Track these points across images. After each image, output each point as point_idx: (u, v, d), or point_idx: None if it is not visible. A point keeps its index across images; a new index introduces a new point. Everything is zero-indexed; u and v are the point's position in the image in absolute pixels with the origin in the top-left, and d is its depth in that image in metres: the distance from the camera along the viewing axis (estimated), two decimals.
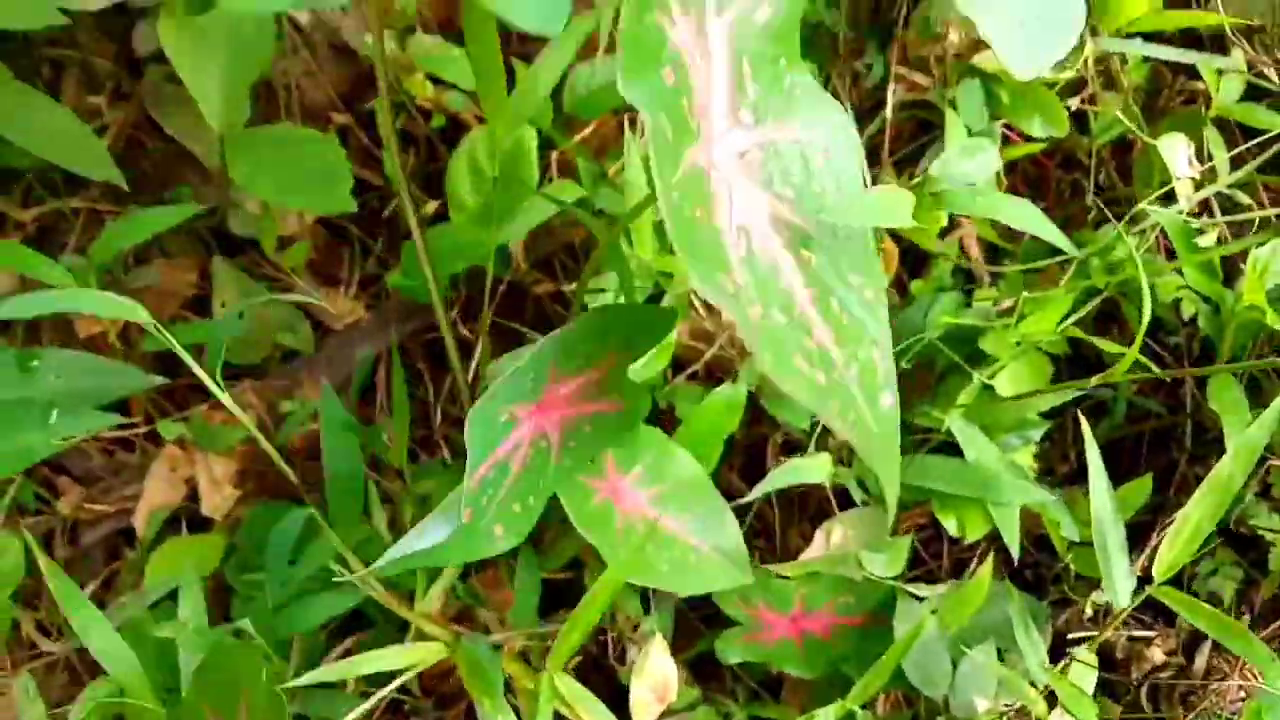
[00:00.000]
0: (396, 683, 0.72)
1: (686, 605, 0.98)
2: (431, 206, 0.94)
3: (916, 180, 0.68)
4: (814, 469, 0.77)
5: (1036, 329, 0.72)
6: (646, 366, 0.80)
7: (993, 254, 0.96)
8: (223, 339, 0.89)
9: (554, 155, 0.95)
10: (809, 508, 1.01)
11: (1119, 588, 0.67)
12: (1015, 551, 0.74)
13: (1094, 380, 0.67)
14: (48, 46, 1.01)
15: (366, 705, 0.76)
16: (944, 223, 0.73)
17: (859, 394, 0.56)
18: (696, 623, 0.98)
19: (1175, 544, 0.65)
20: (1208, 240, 0.76)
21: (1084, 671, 0.70)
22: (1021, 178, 0.98)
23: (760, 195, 0.56)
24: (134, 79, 1.01)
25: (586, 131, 0.92)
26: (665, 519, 0.76)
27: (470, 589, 0.94)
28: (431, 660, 0.72)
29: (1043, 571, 0.97)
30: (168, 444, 1.01)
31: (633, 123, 0.84)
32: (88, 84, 1.01)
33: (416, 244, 0.75)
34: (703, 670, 0.97)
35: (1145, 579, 0.73)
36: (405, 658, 0.71)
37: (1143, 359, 0.70)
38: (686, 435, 0.80)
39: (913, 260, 1.00)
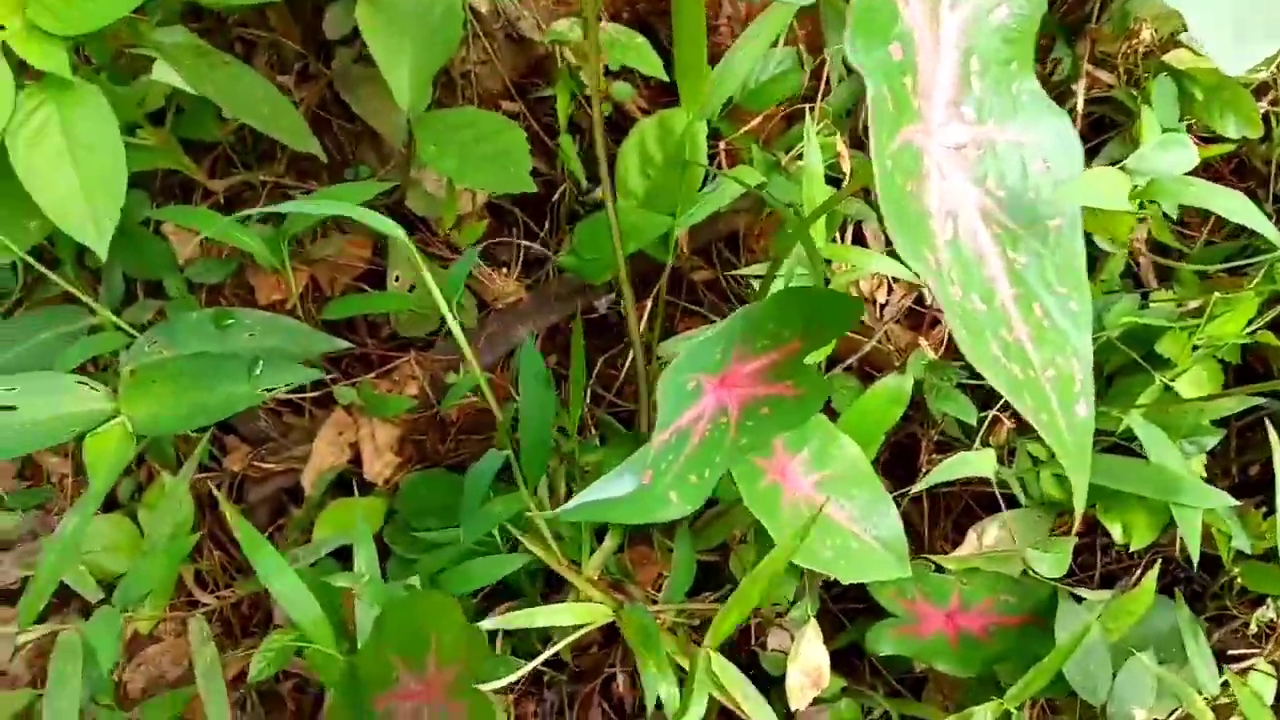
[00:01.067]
0: (563, 643, 0.74)
1: (828, 595, 0.99)
2: (597, 193, 0.97)
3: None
4: (980, 463, 0.77)
5: (1223, 331, 0.71)
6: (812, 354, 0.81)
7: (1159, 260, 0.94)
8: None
9: (721, 146, 0.96)
10: (953, 509, 1.00)
11: None
12: (1195, 555, 0.73)
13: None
14: (240, 27, 1.07)
15: (528, 668, 0.79)
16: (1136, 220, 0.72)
17: (1054, 398, 0.56)
18: (838, 614, 0.99)
19: None
20: None
21: (1263, 682, 0.69)
22: None
23: (972, 189, 0.56)
24: (320, 61, 1.06)
25: (754, 123, 0.94)
26: (830, 505, 0.77)
27: (621, 563, 0.96)
28: (599, 620, 0.74)
29: (1197, 588, 0.95)
30: (337, 409, 1.06)
31: (811, 109, 0.85)
32: (277, 64, 1.07)
33: (609, 211, 0.77)
34: (841, 664, 0.98)
35: None
36: (576, 615, 0.73)
37: None
38: (848, 424, 0.81)
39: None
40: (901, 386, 0.81)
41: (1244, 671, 0.76)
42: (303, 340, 0.88)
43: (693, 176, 0.90)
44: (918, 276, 0.92)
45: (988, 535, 0.87)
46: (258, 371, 0.77)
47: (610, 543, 0.85)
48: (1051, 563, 0.77)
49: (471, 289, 1.06)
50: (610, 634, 1.08)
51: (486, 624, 0.73)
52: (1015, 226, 0.56)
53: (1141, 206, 0.87)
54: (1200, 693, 0.73)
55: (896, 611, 0.83)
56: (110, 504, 1.07)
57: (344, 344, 0.88)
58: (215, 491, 0.90)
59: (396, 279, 1.03)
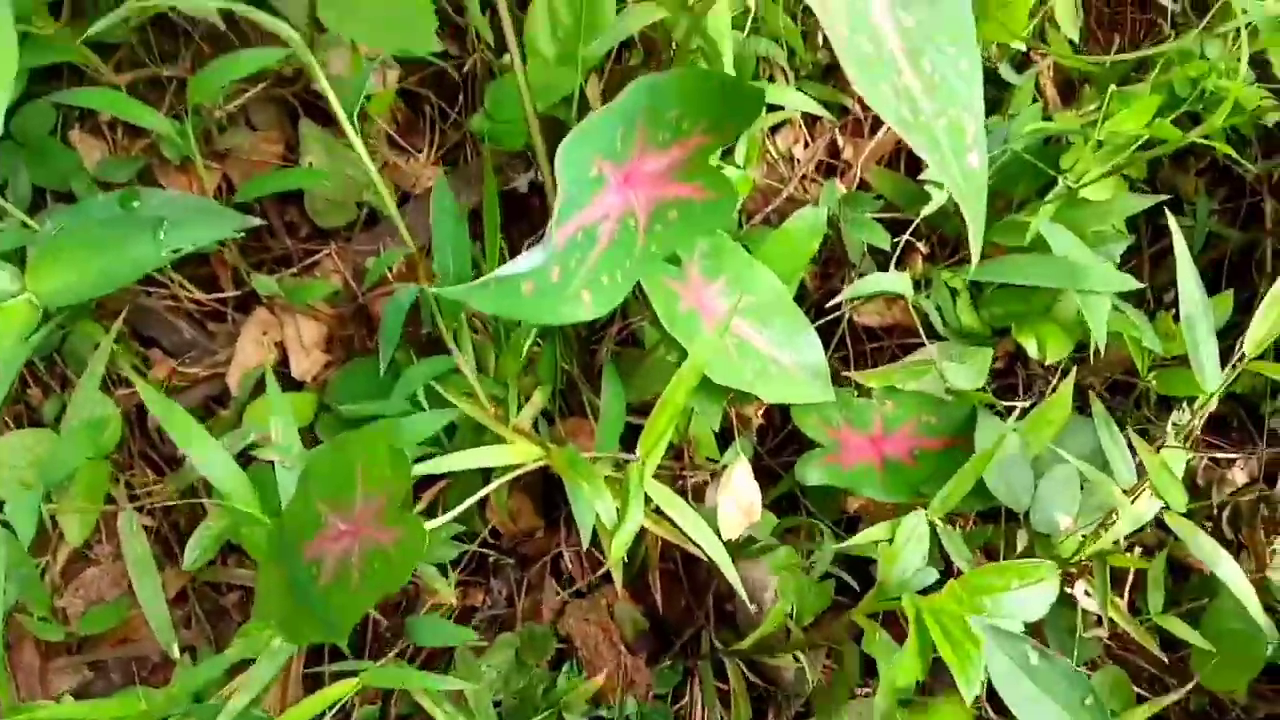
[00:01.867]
0: (496, 484, 0.74)
1: (764, 449, 1.00)
2: (507, 59, 0.96)
3: None
4: (896, 282, 0.78)
5: (1122, 126, 0.72)
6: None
7: (1066, 94, 0.96)
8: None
9: (630, 3, 0.95)
10: (880, 359, 1.02)
11: (1207, 369, 0.67)
12: (1103, 341, 0.74)
13: (1192, 135, 0.67)
14: None
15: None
16: (1026, 38, 0.73)
17: (946, 144, 0.56)
18: (775, 467, 1.00)
19: (1268, 316, 0.65)
20: None
21: (1174, 456, 0.70)
22: (1098, 18, 0.98)
23: None
24: None
25: None
26: (749, 331, 0.78)
27: (555, 433, 0.96)
28: (529, 460, 0.73)
29: (1119, 414, 0.97)
30: (259, 308, 1.04)
31: None
32: None
33: (517, 72, 0.76)
34: (778, 513, 0.99)
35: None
36: (506, 455, 0.73)
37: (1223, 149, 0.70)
38: (767, 256, 0.81)
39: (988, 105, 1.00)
40: (817, 217, 0.81)
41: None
42: (213, 218, 0.86)
43: (603, 31, 0.89)
44: (833, 120, 0.93)
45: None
46: (162, 234, 0.76)
47: (539, 396, 0.85)
48: (969, 374, 0.78)
49: (388, 176, 1.05)
50: (553, 518, 1.08)
51: (418, 468, 0.72)
52: None
53: (1041, 30, 0.88)
54: (1118, 485, 0.74)
55: (822, 441, 0.84)
56: (36, 422, 1.05)
57: (253, 219, 0.86)
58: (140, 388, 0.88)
59: (310, 166, 1.01)
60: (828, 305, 0.82)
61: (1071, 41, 0.87)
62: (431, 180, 1.04)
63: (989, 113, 0.92)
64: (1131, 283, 0.74)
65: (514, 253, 1.06)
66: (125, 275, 0.75)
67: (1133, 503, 0.71)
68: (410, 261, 1.04)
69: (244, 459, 0.90)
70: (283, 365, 1.05)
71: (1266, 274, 0.89)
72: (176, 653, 0.91)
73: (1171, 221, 0.69)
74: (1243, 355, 0.71)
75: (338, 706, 0.97)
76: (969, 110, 0.59)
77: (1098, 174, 0.75)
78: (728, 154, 0.86)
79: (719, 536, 0.79)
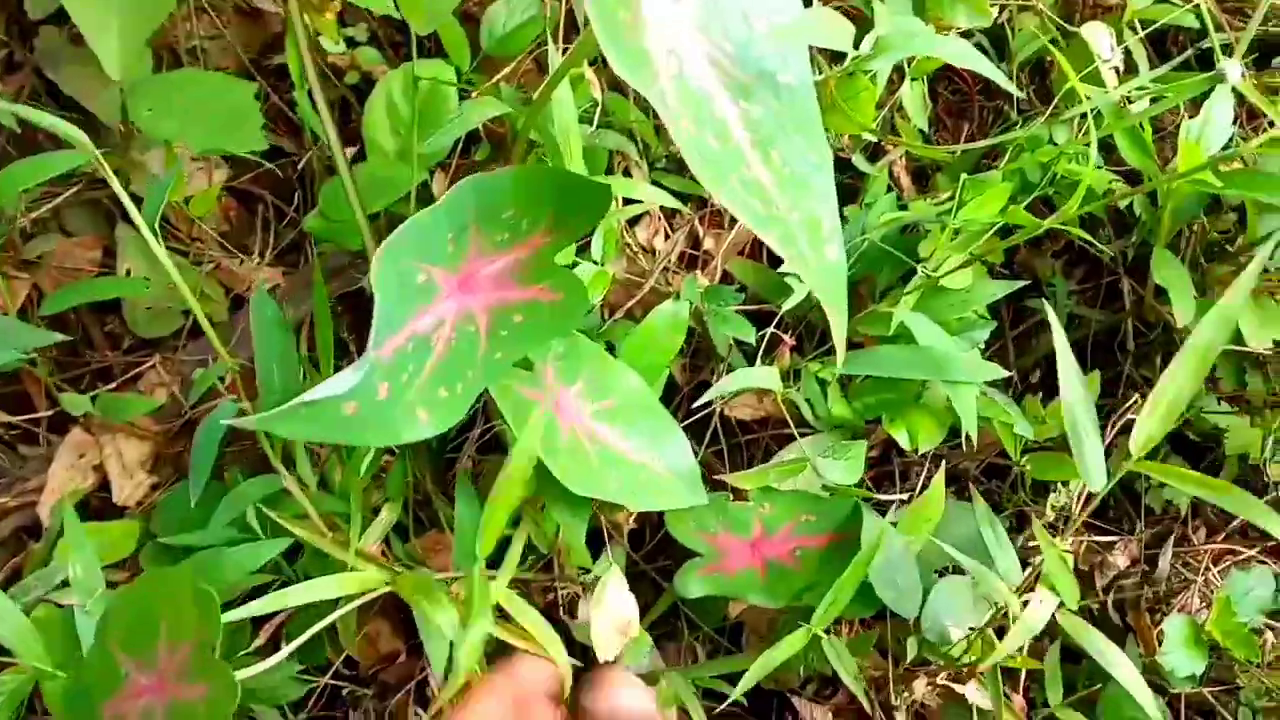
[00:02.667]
0: (335, 615, 0.66)
1: (639, 555, 0.94)
2: (350, 153, 0.90)
3: (851, 60, 0.67)
4: (765, 377, 0.74)
5: (977, 213, 0.71)
6: (589, 283, 0.77)
7: (920, 183, 0.96)
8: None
9: (474, 97, 0.92)
10: (754, 454, 0.98)
11: (1093, 468, 0.65)
12: (973, 431, 0.72)
13: (1047, 222, 0.66)
14: None
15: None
16: (876, 129, 0.72)
17: (803, 240, 0.53)
18: (654, 576, 0.94)
19: (1156, 411, 0.63)
20: (1139, 105, 0.76)
21: (1058, 558, 0.67)
22: (946, 107, 0.98)
23: (697, 35, 0.53)
24: (25, 47, 0.96)
25: (506, 71, 0.90)
26: (612, 436, 0.72)
27: (411, 550, 0.88)
28: (370, 587, 0.66)
29: (995, 500, 0.96)
30: (75, 429, 0.94)
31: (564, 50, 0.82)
32: None
33: (342, 172, 0.71)
34: (660, 632, 0.93)
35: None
36: (345, 585, 0.65)
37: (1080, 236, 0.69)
38: (628, 355, 0.77)
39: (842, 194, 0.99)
40: (679, 312, 0.78)
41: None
42: (13, 335, 0.77)
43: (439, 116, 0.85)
44: (688, 210, 0.90)
45: (789, 457, 0.85)
46: None
47: (388, 513, 0.77)
48: (844, 469, 0.75)
49: (221, 282, 0.97)
50: (416, 640, 0.99)
51: (233, 614, 0.64)
52: (745, 78, 0.54)
53: (891, 123, 0.88)
54: (1005, 581, 0.71)
55: (701, 550, 0.78)
56: None
57: (56, 335, 0.77)
58: None
59: (129, 273, 0.93)
60: (696, 404, 0.78)
61: (921, 131, 0.87)
62: (266, 283, 0.96)
63: (845, 202, 0.91)
64: (998, 371, 0.72)
65: (361, 349, 1.00)
66: None
67: (1024, 602, 0.68)
68: (246, 374, 0.95)
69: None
70: (104, 490, 0.94)
71: (1130, 353, 0.89)
72: None
73: (1050, 314, 0.67)
74: (1127, 453, 0.69)
75: None
76: (823, 202, 0.56)
77: (956, 263, 0.74)
78: (585, 249, 0.82)
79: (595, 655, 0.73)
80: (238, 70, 0.98)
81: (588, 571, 0.85)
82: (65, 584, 0.81)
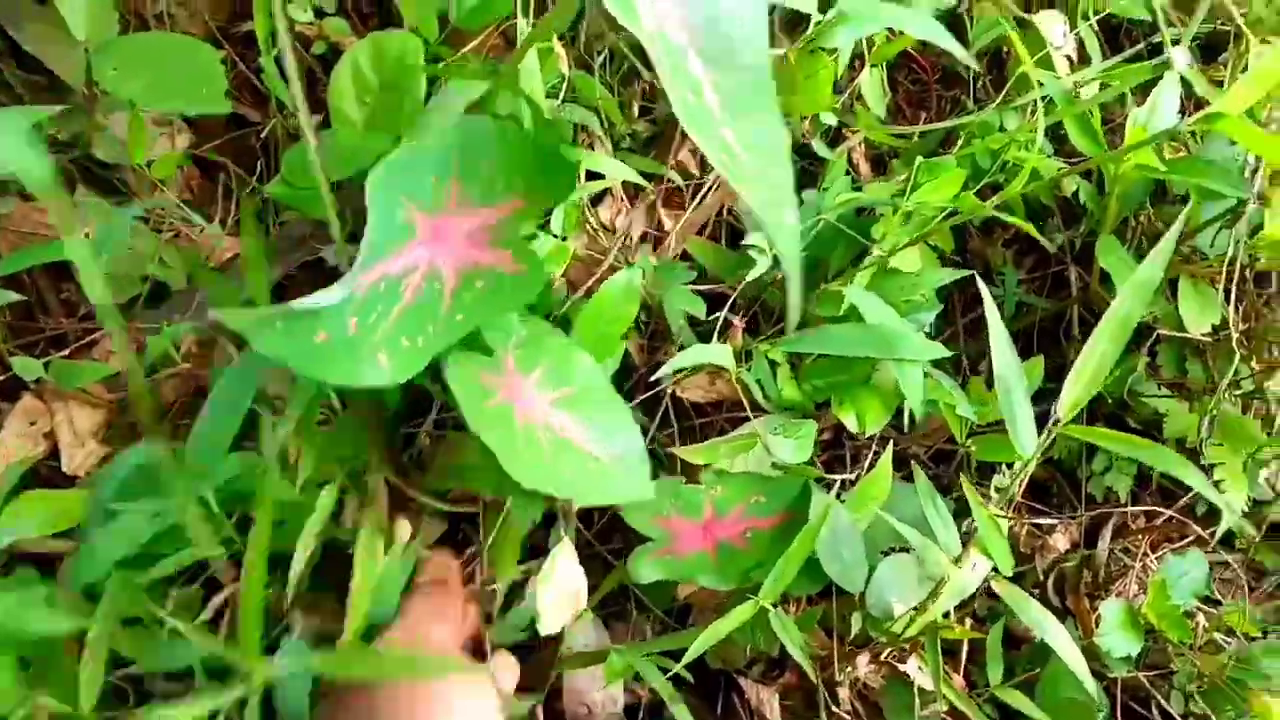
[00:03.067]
0: None
1: (590, 533, 0.95)
2: (315, 121, 0.90)
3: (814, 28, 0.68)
4: (718, 353, 0.75)
5: (930, 196, 0.73)
6: (549, 255, 0.78)
7: (879, 170, 0.98)
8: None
9: (441, 70, 0.92)
10: (710, 433, 0.99)
11: (1023, 436, 0.67)
12: (919, 410, 0.74)
13: (990, 204, 0.67)
14: None
15: None
16: (835, 77, 0.73)
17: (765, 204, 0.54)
18: (606, 556, 0.94)
19: (1081, 378, 0.64)
20: (1089, 89, 0.78)
21: (989, 520, 0.69)
22: (906, 96, 1.00)
23: (672, 5, 0.54)
24: None
25: (474, 43, 0.90)
26: (569, 425, 0.73)
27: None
28: None
29: (943, 481, 0.97)
30: (25, 395, 0.93)
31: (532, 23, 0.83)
32: None
33: (307, 136, 0.71)
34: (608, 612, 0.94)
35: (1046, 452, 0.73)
36: None
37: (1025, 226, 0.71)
38: (585, 327, 0.77)
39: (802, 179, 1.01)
40: (631, 281, 0.78)
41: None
42: None
43: (407, 99, 0.85)
44: (651, 188, 0.91)
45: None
46: None
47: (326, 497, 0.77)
48: (794, 447, 0.76)
49: (179, 251, 0.96)
50: None
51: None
52: (713, 50, 0.55)
53: (850, 108, 0.89)
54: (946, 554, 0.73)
55: (653, 535, 0.79)
56: None
57: (12, 295, 0.77)
58: None
59: (86, 237, 0.92)
60: (651, 378, 0.79)
61: (879, 119, 0.88)
62: (227, 252, 0.96)
63: (804, 186, 0.93)
64: (942, 350, 0.74)
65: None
66: None
67: (959, 569, 0.70)
68: (204, 343, 0.95)
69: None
70: (54, 458, 0.93)
71: (1075, 340, 0.91)
72: None
73: (982, 287, 0.69)
74: (1057, 420, 0.71)
75: None
76: (778, 165, 0.57)
77: (910, 250, 0.76)
78: (546, 225, 0.82)
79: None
80: (205, 37, 0.98)
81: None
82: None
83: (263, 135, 0.96)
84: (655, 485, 0.79)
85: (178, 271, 0.95)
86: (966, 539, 0.84)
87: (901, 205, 0.74)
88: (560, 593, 0.75)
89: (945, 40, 0.60)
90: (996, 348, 0.68)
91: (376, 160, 0.82)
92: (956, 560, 0.71)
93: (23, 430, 0.93)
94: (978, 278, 0.71)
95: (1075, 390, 0.65)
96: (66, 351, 0.94)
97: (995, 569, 0.69)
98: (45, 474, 0.94)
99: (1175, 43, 0.76)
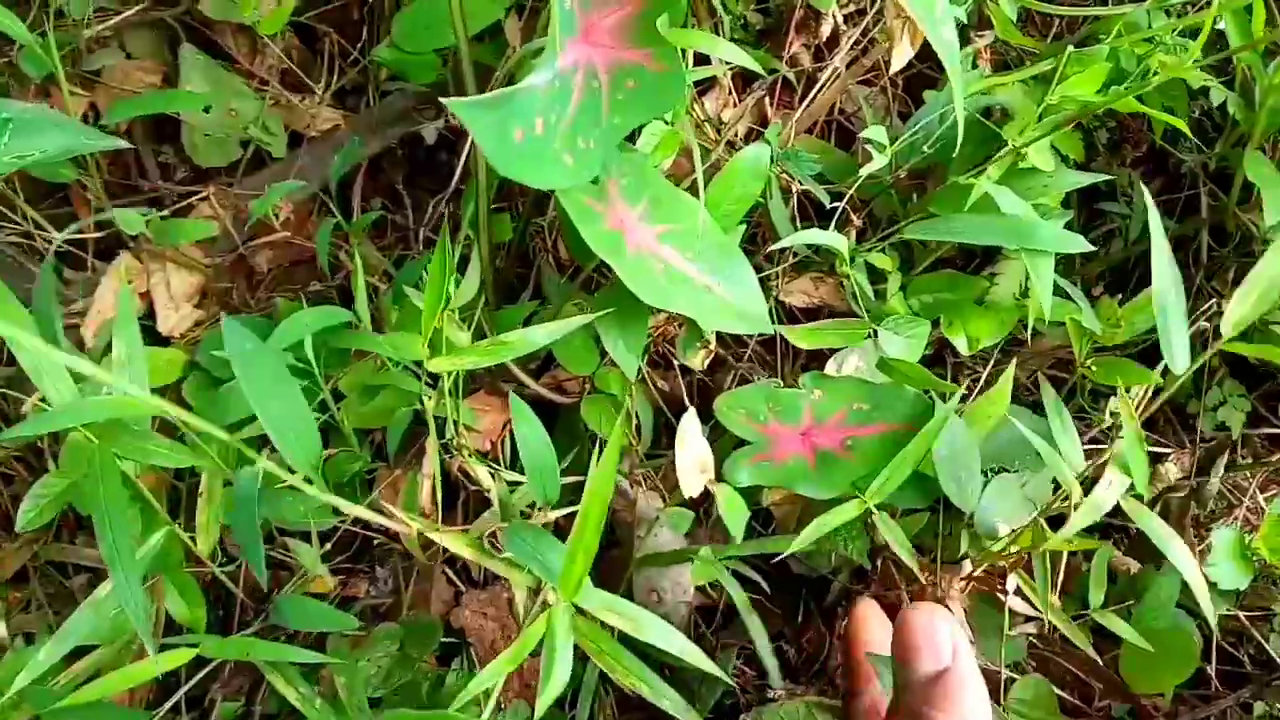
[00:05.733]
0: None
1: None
2: None
3: None
4: (833, 238, 0.72)
5: (1078, 89, 0.68)
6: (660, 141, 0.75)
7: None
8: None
9: None
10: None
11: (1177, 351, 0.63)
12: (1047, 310, 0.70)
13: (1134, 90, 0.63)
14: None
15: None
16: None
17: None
18: None
19: (1249, 297, 0.61)
20: None
21: (1136, 435, 0.66)
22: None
23: None
24: None
25: None
26: (678, 259, 0.71)
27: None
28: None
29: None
30: (122, 254, 0.93)
31: None
32: None
33: None
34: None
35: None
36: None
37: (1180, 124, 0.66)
38: (711, 203, 0.74)
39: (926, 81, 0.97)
40: (760, 157, 0.75)
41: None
42: (71, 135, 0.75)
43: None
44: (764, 72, 0.88)
45: (847, 365, 0.83)
46: (6, 137, 0.65)
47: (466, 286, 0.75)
48: (906, 346, 0.73)
49: (281, 119, 0.95)
50: (450, 503, 0.99)
51: None
52: None
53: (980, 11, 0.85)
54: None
55: (750, 437, 0.77)
56: None
57: (119, 141, 0.75)
58: None
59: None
60: (759, 266, 0.76)
61: (1011, 20, 0.83)
62: (327, 122, 0.95)
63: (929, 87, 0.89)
64: (1082, 243, 0.69)
65: (419, 209, 0.99)
66: None
67: (1086, 490, 0.67)
68: (300, 210, 0.94)
69: None
70: (148, 318, 0.93)
71: (1202, 264, 0.87)
72: (4, 632, 0.80)
73: (1146, 196, 0.65)
74: (1205, 340, 0.67)
75: (197, 708, 0.87)
76: None
77: (1044, 145, 0.71)
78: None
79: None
80: None
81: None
82: None
83: (366, 4, 0.93)
84: (751, 389, 0.77)
85: (279, 138, 0.93)
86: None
87: (1044, 99, 0.69)
88: (694, 457, 0.74)
89: None
90: (1156, 260, 0.64)
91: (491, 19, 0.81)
92: (1081, 479, 0.68)
93: (119, 289, 0.93)
94: (1139, 184, 0.67)
95: (1243, 307, 0.61)
96: (166, 213, 0.93)
97: None
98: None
99: None
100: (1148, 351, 0.84)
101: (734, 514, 0.72)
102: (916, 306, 0.82)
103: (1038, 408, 0.89)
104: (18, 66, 0.88)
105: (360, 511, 0.63)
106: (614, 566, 0.94)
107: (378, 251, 0.95)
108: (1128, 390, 0.77)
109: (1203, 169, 0.87)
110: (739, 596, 0.77)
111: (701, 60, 0.87)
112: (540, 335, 0.68)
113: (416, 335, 0.71)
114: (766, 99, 0.94)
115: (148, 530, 0.73)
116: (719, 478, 0.75)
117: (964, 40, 0.90)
